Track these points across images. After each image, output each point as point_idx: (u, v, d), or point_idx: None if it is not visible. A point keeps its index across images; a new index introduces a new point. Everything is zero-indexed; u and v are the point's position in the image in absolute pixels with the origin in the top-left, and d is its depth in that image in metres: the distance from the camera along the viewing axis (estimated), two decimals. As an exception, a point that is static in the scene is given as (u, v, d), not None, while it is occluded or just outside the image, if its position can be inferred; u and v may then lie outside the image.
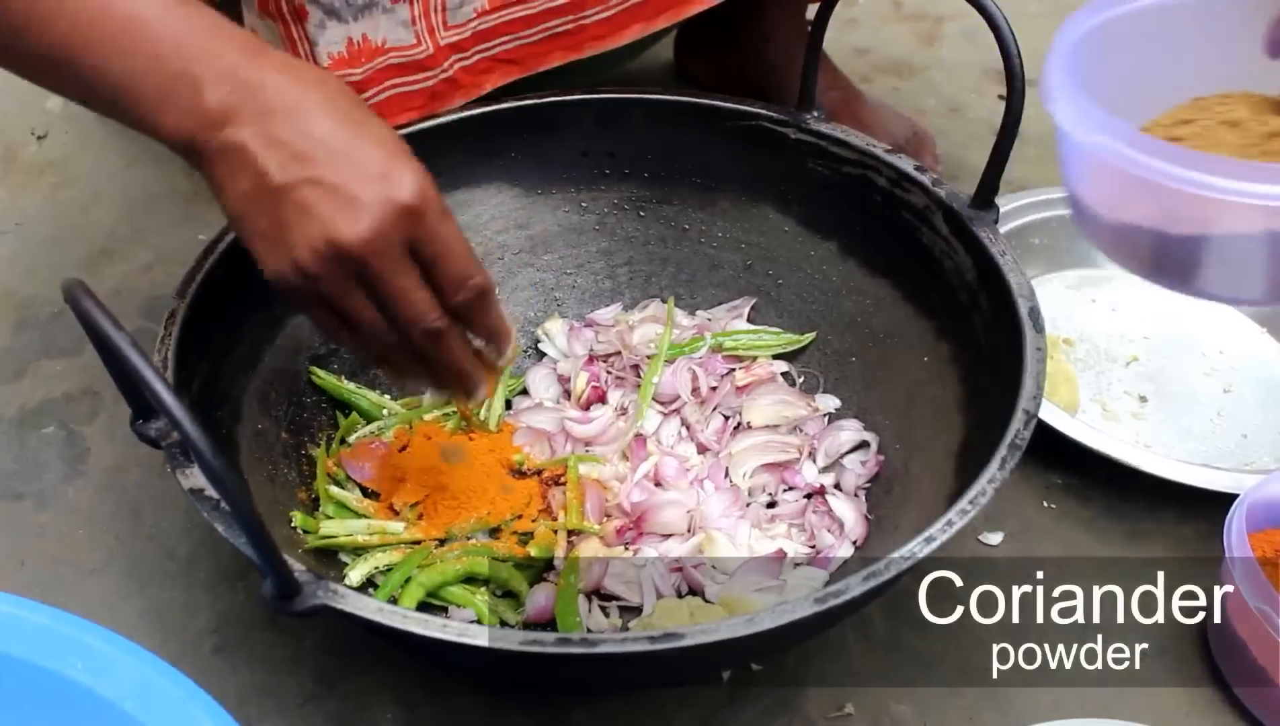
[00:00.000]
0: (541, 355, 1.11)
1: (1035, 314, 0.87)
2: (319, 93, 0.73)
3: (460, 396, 0.83)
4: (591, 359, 1.07)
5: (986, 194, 0.94)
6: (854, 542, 0.95)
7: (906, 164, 0.99)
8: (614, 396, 1.03)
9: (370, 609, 0.69)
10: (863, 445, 1.01)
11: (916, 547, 0.73)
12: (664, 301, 1.11)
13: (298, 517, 0.90)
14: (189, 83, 0.71)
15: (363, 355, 0.81)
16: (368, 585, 0.89)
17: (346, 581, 0.87)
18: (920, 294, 0.99)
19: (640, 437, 1.00)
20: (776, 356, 1.08)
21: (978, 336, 0.93)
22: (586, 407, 1.03)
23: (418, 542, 0.91)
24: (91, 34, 0.70)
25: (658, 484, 0.97)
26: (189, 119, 0.71)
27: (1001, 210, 1.23)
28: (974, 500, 0.76)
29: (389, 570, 0.89)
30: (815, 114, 1.03)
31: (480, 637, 0.68)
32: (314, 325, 0.79)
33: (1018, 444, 0.79)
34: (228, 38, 0.73)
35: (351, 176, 0.71)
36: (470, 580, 0.90)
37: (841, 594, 0.70)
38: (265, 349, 0.96)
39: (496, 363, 0.82)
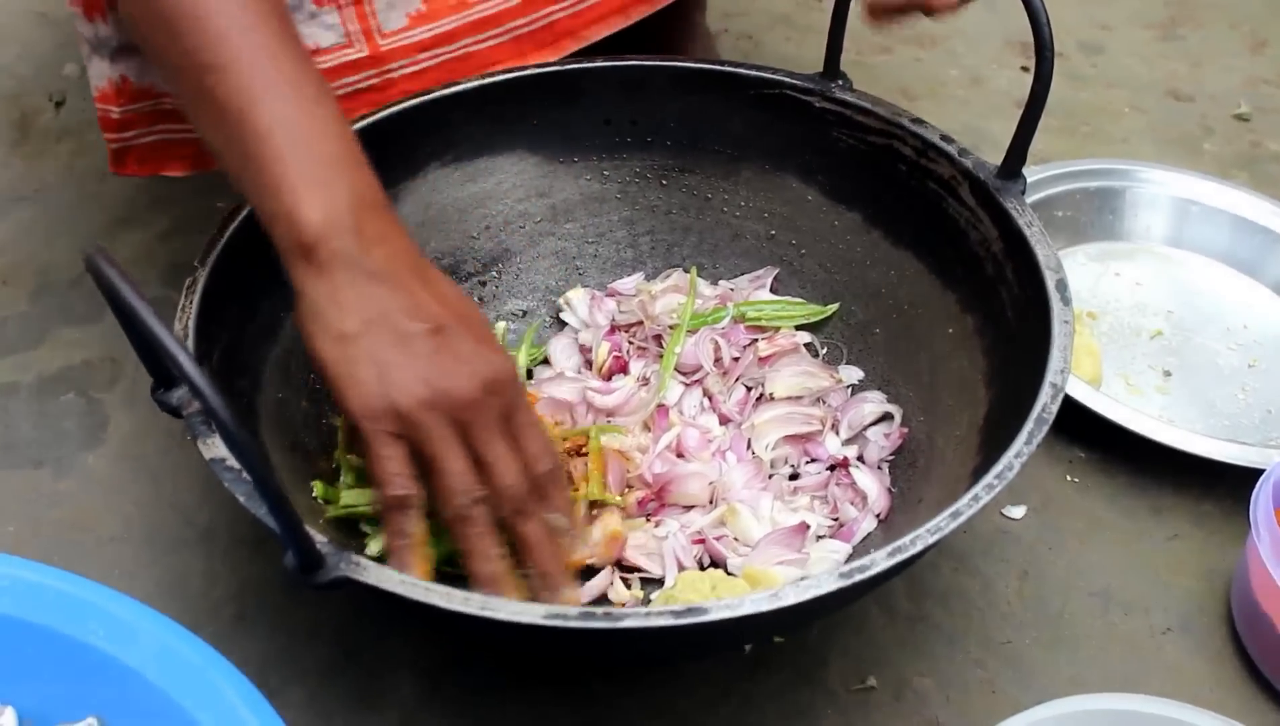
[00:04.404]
0: (563, 325, 1.10)
1: (1063, 286, 0.86)
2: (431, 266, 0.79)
3: (544, 584, 0.79)
4: (613, 329, 1.06)
5: (1013, 164, 0.92)
6: (877, 515, 0.94)
7: (933, 133, 0.97)
8: (636, 366, 1.03)
9: (393, 581, 0.69)
10: (886, 417, 1.00)
11: (942, 523, 0.72)
12: (686, 271, 1.11)
13: (318, 487, 0.89)
14: (349, 188, 0.75)
15: (442, 508, 0.76)
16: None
17: (366, 551, 0.87)
18: (945, 265, 0.98)
19: (662, 408, 0.99)
20: (800, 327, 1.07)
21: (1004, 308, 0.91)
22: (608, 378, 1.03)
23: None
24: (270, 103, 0.74)
25: (679, 455, 0.97)
26: (337, 219, 0.73)
27: (1025, 182, 1.23)
28: (1000, 475, 0.74)
29: None
30: (840, 82, 1.02)
31: (502, 611, 0.67)
32: (379, 470, 0.74)
33: (1044, 418, 0.78)
34: (372, 175, 0.78)
35: (480, 337, 0.76)
36: None
37: (866, 569, 0.69)
38: (285, 317, 0.95)
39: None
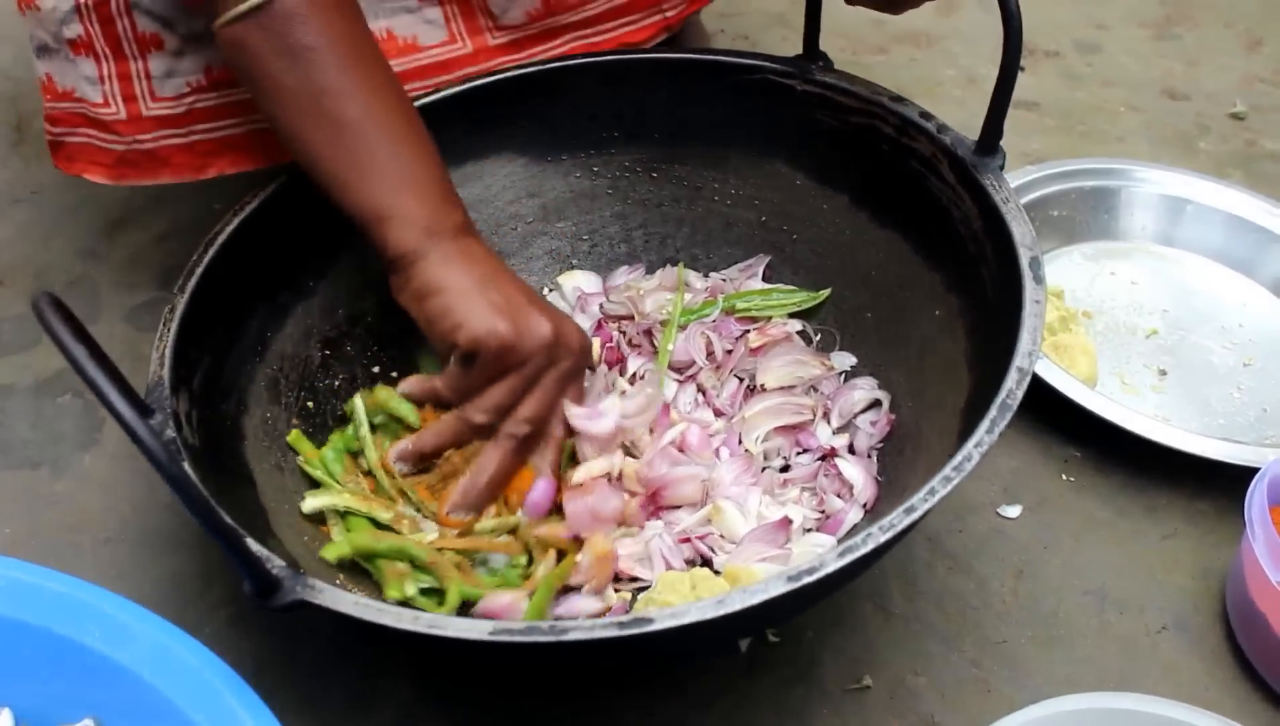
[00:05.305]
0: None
1: (1036, 264, 0.84)
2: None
3: (461, 503, 0.90)
4: (601, 324, 1.06)
5: (990, 139, 0.92)
6: (864, 506, 0.93)
7: (911, 110, 0.97)
8: (632, 364, 1.02)
9: (346, 603, 0.69)
10: (876, 404, 1.00)
11: (896, 518, 0.70)
12: (680, 263, 1.11)
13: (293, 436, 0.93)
14: (458, 209, 0.90)
15: (465, 406, 0.89)
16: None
17: (302, 507, 0.89)
18: (931, 245, 0.98)
19: (664, 406, 0.98)
20: (792, 314, 1.06)
21: (985, 288, 0.90)
22: (610, 368, 1.03)
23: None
24: (390, 124, 0.87)
25: (681, 450, 0.96)
26: (450, 218, 0.88)
27: (1020, 182, 1.23)
28: (958, 467, 0.73)
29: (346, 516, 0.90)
30: (820, 63, 1.02)
31: (449, 629, 0.68)
32: (466, 391, 0.88)
33: (1008, 404, 0.76)
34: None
35: (565, 315, 0.91)
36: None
37: (815, 570, 0.68)
38: (273, 337, 0.96)
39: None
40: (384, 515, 0.90)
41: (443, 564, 0.87)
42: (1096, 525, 1.02)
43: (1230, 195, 1.27)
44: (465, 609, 0.85)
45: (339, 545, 0.86)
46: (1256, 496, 0.90)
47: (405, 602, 0.85)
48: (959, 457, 0.73)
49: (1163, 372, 1.14)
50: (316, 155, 0.86)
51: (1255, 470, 0.93)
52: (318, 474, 0.92)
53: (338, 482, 0.92)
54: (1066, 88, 1.55)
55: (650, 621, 0.66)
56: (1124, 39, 1.66)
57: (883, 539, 0.70)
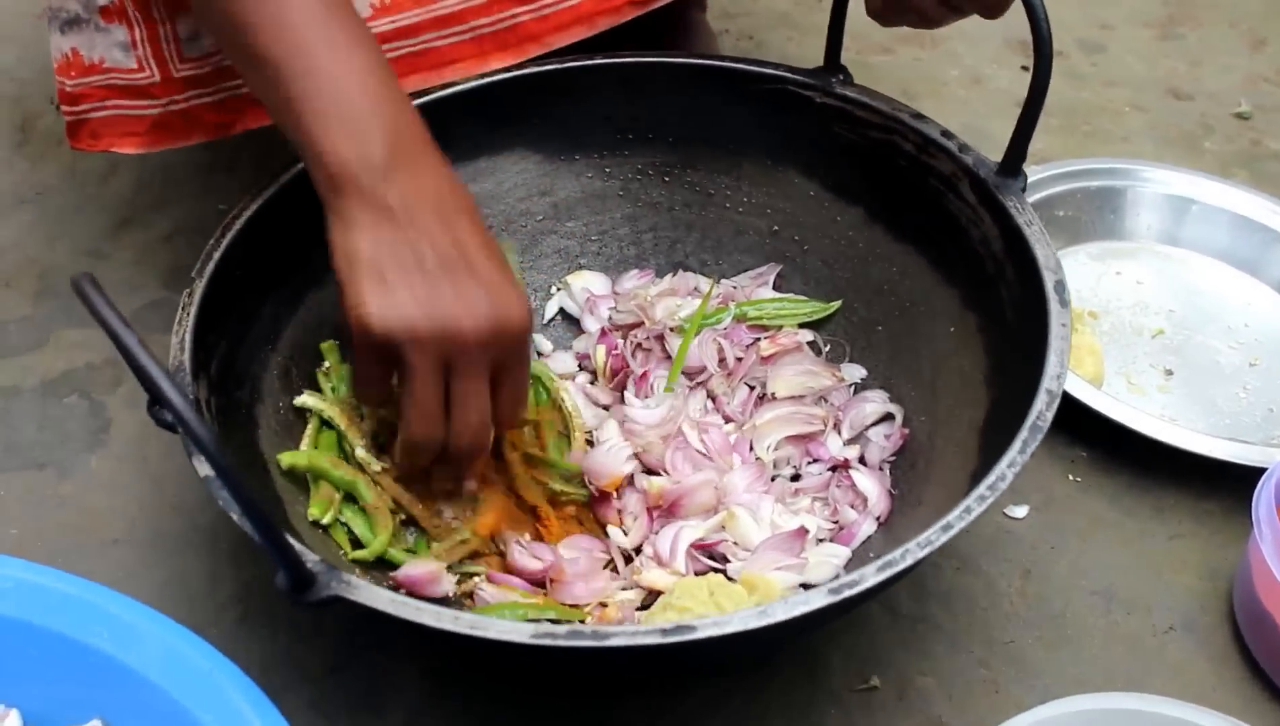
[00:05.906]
0: (569, 320, 1.11)
1: (1061, 287, 0.85)
2: (468, 201, 0.82)
3: (444, 493, 0.90)
4: (605, 332, 1.06)
5: (1014, 162, 0.92)
6: (877, 518, 0.93)
7: (933, 129, 0.97)
8: (653, 374, 1.02)
9: (382, 600, 0.69)
10: (888, 417, 1.00)
11: (933, 535, 0.72)
12: (689, 268, 1.11)
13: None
14: (376, 127, 0.78)
15: (400, 430, 0.83)
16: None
17: (295, 402, 0.92)
18: (947, 262, 0.98)
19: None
20: (802, 325, 1.06)
21: (1003, 308, 0.91)
22: (612, 378, 1.03)
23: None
24: (308, 50, 0.78)
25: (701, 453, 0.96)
26: (361, 156, 0.77)
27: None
28: (993, 485, 0.74)
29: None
30: (840, 76, 1.02)
31: (490, 630, 0.68)
32: (364, 382, 0.83)
33: (1039, 426, 0.77)
34: (414, 117, 0.82)
35: (491, 281, 0.79)
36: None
37: (856, 584, 0.69)
38: (285, 324, 0.95)
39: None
40: (355, 441, 0.91)
41: (381, 513, 0.88)
42: (1103, 525, 1.02)
43: (1235, 195, 1.27)
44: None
45: (297, 455, 0.88)
46: (1263, 496, 0.90)
47: (318, 524, 0.86)
48: (992, 477, 0.74)
49: (1169, 373, 1.14)
50: (259, 95, 0.82)
51: (1262, 470, 0.93)
52: (328, 386, 0.94)
53: (339, 401, 0.93)
54: (1071, 87, 1.55)
55: (693, 630, 0.67)
56: (1128, 39, 1.66)
57: (921, 554, 0.71)
